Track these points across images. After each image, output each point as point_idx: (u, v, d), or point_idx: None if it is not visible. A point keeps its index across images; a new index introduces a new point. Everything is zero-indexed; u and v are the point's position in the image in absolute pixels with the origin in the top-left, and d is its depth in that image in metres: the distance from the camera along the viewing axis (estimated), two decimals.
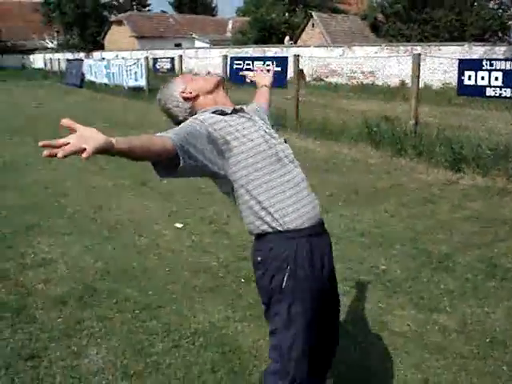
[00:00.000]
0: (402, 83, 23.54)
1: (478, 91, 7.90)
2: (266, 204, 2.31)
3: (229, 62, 14.64)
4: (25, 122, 14.66)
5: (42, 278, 4.66)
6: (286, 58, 12.55)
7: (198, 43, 47.38)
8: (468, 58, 19.04)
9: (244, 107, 2.56)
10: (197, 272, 4.86)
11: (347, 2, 45.28)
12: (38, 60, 51.40)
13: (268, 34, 38.13)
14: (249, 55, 25.96)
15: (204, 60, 27.54)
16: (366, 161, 9.18)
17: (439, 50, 25.06)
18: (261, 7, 40.36)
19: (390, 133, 9.33)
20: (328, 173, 8.50)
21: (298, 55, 12.17)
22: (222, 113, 2.38)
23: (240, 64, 14.01)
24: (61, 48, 49.92)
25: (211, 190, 7.37)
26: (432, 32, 33.52)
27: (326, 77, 29.23)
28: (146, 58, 20.54)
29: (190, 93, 2.50)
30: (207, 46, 43.71)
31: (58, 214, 6.55)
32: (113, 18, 50.70)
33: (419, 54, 9.21)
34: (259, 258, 2.37)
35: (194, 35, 48.58)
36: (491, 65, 7.66)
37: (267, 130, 2.46)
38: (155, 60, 20.79)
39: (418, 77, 9.06)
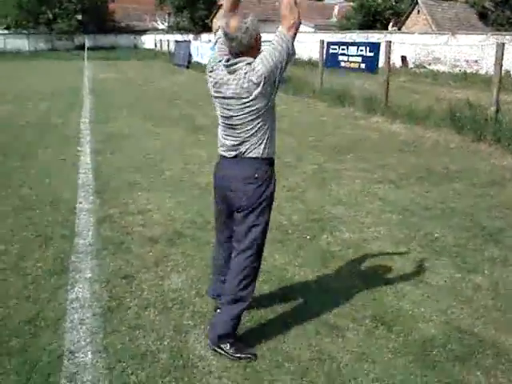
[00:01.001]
0: (507, 73, 23.08)
1: None
2: (271, 140, 3.31)
3: (325, 47, 15.21)
4: (134, 100, 15.95)
5: (140, 223, 5.64)
6: (379, 44, 12.96)
7: (302, 27, 47.93)
8: None
9: None
10: (270, 229, 5.60)
11: None
12: (149, 40, 53.84)
13: (372, 20, 38.15)
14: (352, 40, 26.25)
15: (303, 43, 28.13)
16: (447, 144, 9.58)
17: None
18: None
19: (471, 119, 9.65)
20: (407, 154, 9.01)
21: (390, 41, 12.54)
22: None
23: (336, 49, 14.56)
24: (171, 29, 52.00)
25: (294, 164, 8.15)
26: None
27: (429, 64, 29.01)
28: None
29: None
30: (312, 30, 44.24)
31: (157, 175, 7.54)
32: (221, 1, 52.16)
33: (503, 44, 9.44)
34: (256, 175, 3.27)
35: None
36: None
37: None
38: None
39: (501, 65, 9.33)
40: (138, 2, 61.21)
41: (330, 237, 5.44)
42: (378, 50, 12.76)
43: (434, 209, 6.31)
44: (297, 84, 17.20)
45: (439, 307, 4.07)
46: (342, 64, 14.22)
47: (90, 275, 4.44)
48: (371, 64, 12.95)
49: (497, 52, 9.36)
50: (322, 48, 15.37)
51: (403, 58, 30.06)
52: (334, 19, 49.14)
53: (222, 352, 3.37)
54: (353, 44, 14.22)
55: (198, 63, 28.05)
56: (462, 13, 37.67)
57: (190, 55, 29.30)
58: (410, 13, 36.77)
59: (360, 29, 35.98)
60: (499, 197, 6.78)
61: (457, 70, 27.03)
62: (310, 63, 26.76)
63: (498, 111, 9.44)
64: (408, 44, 28.50)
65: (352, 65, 13.72)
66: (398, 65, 29.87)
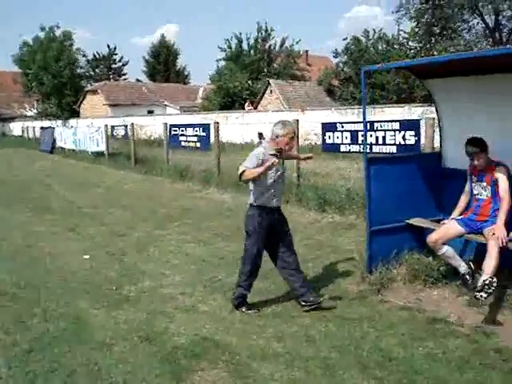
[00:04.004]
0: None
1: (335, 147, 9.94)
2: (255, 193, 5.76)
3: (168, 128, 16.81)
4: None
5: None
6: (208, 125, 14.68)
7: (169, 110, 50.17)
8: (398, 118, 21.28)
9: None
10: (81, 282, 6.74)
11: (306, 70, 48.46)
12: (16, 128, 53.75)
13: (231, 100, 40.83)
14: (211, 121, 28.17)
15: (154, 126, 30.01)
16: None
17: (382, 111, 27.01)
18: (224, 75, 43.27)
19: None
20: (225, 217, 10.49)
21: (218, 122, 14.31)
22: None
23: (176, 130, 16.18)
24: (39, 116, 52.30)
25: (123, 233, 9.34)
26: (382, 94, 36.07)
27: None
28: (106, 125, 22.72)
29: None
30: (177, 112, 46.48)
31: None
32: (88, 87, 53.62)
33: (297, 120, 11.37)
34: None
35: (165, 102, 51.45)
36: (342, 127, 9.74)
37: None
38: (113, 127, 22.97)
39: (297, 137, 11.23)
40: (5, 91, 61.31)
41: (133, 286, 6.64)
42: (209, 130, 14.46)
43: (227, 258, 7.72)
44: (149, 164, 18.67)
45: (196, 326, 5.38)
46: (183, 144, 15.83)
47: None
48: (204, 143, 14.63)
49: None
50: (166, 130, 16.95)
51: (260, 134, 32.46)
52: (199, 100, 51.71)
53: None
54: (190, 125, 15.90)
55: (61, 148, 28.88)
56: (312, 91, 41.30)
57: (54, 141, 30.08)
58: (264, 93, 39.85)
59: (221, 109, 38.44)
60: None
61: (307, 142, 29.54)
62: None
63: (299, 177, 11.24)
64: (263, 122, 30.98)
65: (190, 144, 15.35)
66: (255, 141, 32.23)
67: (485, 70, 5.92)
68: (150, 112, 47.17)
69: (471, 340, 4.90)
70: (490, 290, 5.07)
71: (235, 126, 30.75)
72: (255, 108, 38.93)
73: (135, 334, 5.20)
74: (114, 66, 70.40)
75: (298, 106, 36.20)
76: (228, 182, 13.66)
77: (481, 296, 5.10)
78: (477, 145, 5.71)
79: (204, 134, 14.60)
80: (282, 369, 4.48)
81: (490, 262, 5.26)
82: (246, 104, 38.91)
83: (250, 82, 43.71)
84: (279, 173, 5.65)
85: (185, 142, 15.60)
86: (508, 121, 5.99)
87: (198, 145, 14.99)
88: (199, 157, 16.71)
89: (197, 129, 15.01)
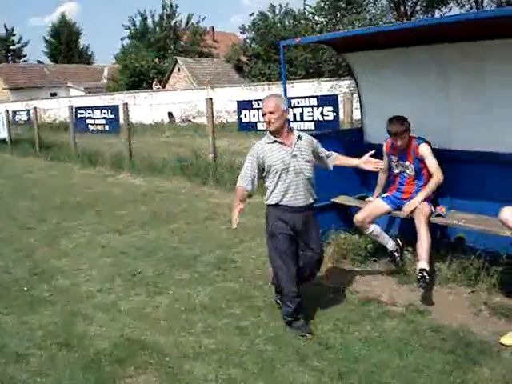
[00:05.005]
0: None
1: (252, 126, 9.69)
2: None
3: (74, 112, 16.01)
4: None
5: None
6: (117, 106, 14.06)
7: (73, 91, 48.28)
8: (308, 93, 21.23)
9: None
10: None
11: (213, 46, 47.91)
12: None
13: (138, 80, 39.74)
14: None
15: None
16: (178, 191, 10.80)
17: (292, 87, 26.97)
18: (130, 54, 42.03)
19: (196, 166, 11.04)
20: (140, 204, 10.02)
21: (127, 104, 13.70)
22: None
23: (83, 113, 15.41)
24: None
25: (33, 226, 8.72)
26: (290, 70, 36.10)
27: (194, 118, 31.02)
28: (7, 111, 21.44)
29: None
30: (82, 93, 44.77)
31: None
32: None
33: (211, 99, 11.02)
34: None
35: (68, 84, 49.49)
36: (259, 104, 9.46)
37: None
38: (14, 112, 21.72)
39: (212, 116, 10.91)
40: None
41: (46, 286, 6.13)
42: (118, 112, 13.83)
43: (145, 248, 7.31)
44: (55, 149, 17.75)
45: (119, 326, 4.98)
46: (90, 127, 15.11)
47: None
48: (113, 125, 14.01)
49: (207, 106, 10.87)
50: (72, 113, 16.12)
51: (170, 114, 31.83)
52: (105, 81, 50.14)
53: None
54: (97, 108, 15.19)
55: None
56: (221, 68, 40.82)
57: None
58: (172, 71, 39.03)
59: (128, 89, 37.32)
60: (207, 229, 8.01)
61: (219, 120, 29.16)
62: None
63: (215, 157, 10.91)
64: (173, 100, 30.29)
65: (98, 127, 14.67)
66: (166, 121, 31.60)
67: (406, 42, 5.77)
68: (53, 94, 45.19)
69: (407, 320, 4.78)
70: (425, 284, 5.06)
71: (144, 107, 29.94)
72: (163, 87, 38.10)
73: (52, 340, 4.74)
74: (12, 47, 66.87)
75: (207, 83, 35.72)
76: (140, 165, 13.19)
77: (419, 287, 5.10)
78: (400, 124, 5.51)
79: (112, 116, 13.96)
80: (217, 367, 4.17)
81: (421, 244, 5.19)
82: (154, 83, 37.98)
83: (156, 60, 42.72)
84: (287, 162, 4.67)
85: (92, 125, 14.90)
86: (429, 95, 5.89)
87: (107, 127, 14.34)
88: (110, 140, 16.05)
89: (105, 111, 14.34)
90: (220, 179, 10.42)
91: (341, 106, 8.38)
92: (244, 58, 40.30)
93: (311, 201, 4.78)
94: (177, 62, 38.59)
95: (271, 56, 37.09)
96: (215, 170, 10.62)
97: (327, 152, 5.08)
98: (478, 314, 4.92)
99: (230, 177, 10.11)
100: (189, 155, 12.43)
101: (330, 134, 7.08)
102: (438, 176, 5.45)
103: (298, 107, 8.46)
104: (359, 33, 5.82)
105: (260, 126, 9.50)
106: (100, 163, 14.47)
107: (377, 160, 5.01)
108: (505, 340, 4.30)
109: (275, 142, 4.65)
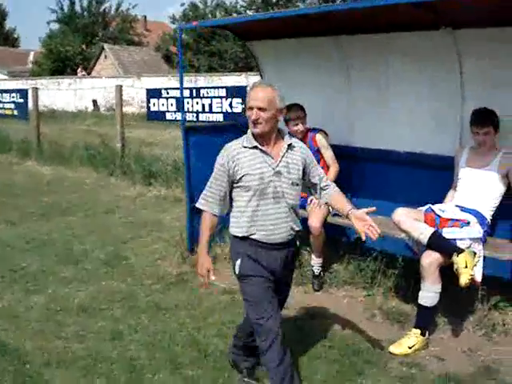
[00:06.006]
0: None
1: (161, 115, 9.27)
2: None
3: None
4: None
5: None
6: (26, 90, 13.32)
7: None
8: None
9: None
10: None
11: (143, 35, 47.00)
12: None
13: (63, 65, 38.43)
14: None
15: None
16: (83, 182, 10.27)
17: (220, 79, 26.68)
18: (56, 38, 40.61)
19: (104, 156, 10.53)
20: (44, 194, 9.42)
21: (37, 88, 13.01)
22: None
23: None
24: None
25: None
26: (219, 63, 35.79)
27: None
28: None
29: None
30: (5, 77, 42.90)
31: None
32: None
33: (120, 86, 10.54)
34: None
35: None
36: (168, 93, 9.07)
37: None
38: None
39: (121, 105, 10.42)
40: None
41: None
42: (27, 97, 13.09)
43: (35, 242, 6.80)
44: None
45: None
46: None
47: None
48: (22, 110, 13.26)
49: (116, 94, 10.40)
50: None
51: (94, 102, 30.88)
52: (30, 65, 48.29)
53: None
54: (5, 91, 14.36)
55: None
56: (149, 57, 39.98)
57: None
58: (98, 58, 37.94)
59: (52, 74, 36.00)
60: (104, 223, 7.56)
61: (144, 110, 28.41)
62: None
63: (123, 147, 10.44)
64: (98, 88, 29.33)
65: (7, 111, 13.85)
66: (90, 109, 30.62)
67: (310, 32, 5.52)
68: None
69: (297, 326, 4.51)
70: (320, 282, 5.03)
71: (68, 93, 28.88)
72: (89, 74, 36.95)
73: None
74: None
75: (134, 72, 34.88)
76: (49, 153, 12.53)
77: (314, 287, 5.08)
78: (300, 109, 5.31)
79: (21, 100, 13.18)
80: (80, 376, 3.78)
81: (315, 242, 5.01)
82: (79, 69, 36.76)
83: (84, 46, 41.46)
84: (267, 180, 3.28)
85: (1, 109, 14.04)
86: (333, 89, 5.69)
87: (16, 112, 13.53)
88: (21, 126, 15.22)
89: (13, 95, 13.51)
90: (127, 170, 9.96)
91: None
92: (173, 49, 39.62)
93: (292, 235, 3.41)
94: (103, 48, 37.53)
95: (201, 47, 36.63)
96: (122, 160, 10.14)
97: (322, 177, 3.55)
98: (371, 320, 4.74)
99: (137, 168, 9.69)
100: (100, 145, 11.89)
101: (232, 126, 6.76)
102: (335, 167, 5.29)
103: (207, 98, 8.11)
104: (252, 19, 5.53)
105: (169, 116, 9.09)
106: (7, 150, 13.68)
107: (374, 225, 3.26)
108: (393, 349, 4.11)
109: (256, 148, 3.27)
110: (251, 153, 3.27)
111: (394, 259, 5.08)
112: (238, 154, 3.28)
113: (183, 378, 3.75)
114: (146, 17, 57.15)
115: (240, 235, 3.31)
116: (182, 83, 5.80)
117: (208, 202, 3.34)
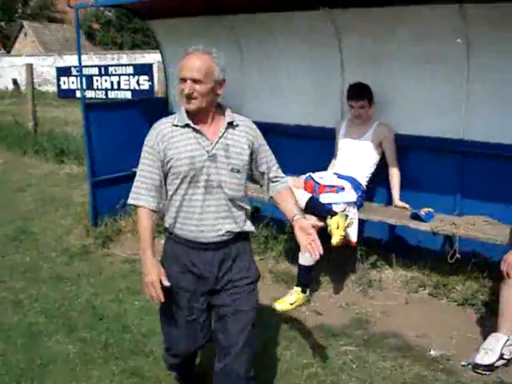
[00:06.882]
0: None
1: (71, 93, 9.33)
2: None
3: None
4: None
5: None
6: None
7: None
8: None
9: None
10: None
11: (64, 11, 45.72)
12: None
13: None
14: None
15: None
16: None
17: (143, 57, 26.42)
18: None
19: (17, 136, 10.50)
20: None
21: None
22: None
23: None
24: None
25: None
26: (144, 40, 35.34)
27: (39, 85, 29.46)
28: None
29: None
30: None
31: None
32: None
33: (31, 65, 10.50)
34: None
35: None
36: (78, 71, 9.11)
37: None
38: None
39: (33, 83, 10.40)
40: None
41: None
42: None
43: None
44: None
45: None
46: None
47: None
48: None
49: (26, 72, 10.35)
50: None
51: (15, 81, 30.10)
52: None
53: None
54: None
55: None
56: (70, 34, 39.02)
57: None
58: (18, 36, 36.82)
59: None
60: (14, 200, 7.63)
61: None
62: None
63: (36, 125, 10.43)
64: (18, 66, 28.56)
65: None
66: (10, 87, 29.85)
67: (203, 11, 5.75)
68: None
69: None
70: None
71: None
72: (8, 52, 35.83)
73: None
74: None
75: (55, 50, 34.06)
76: None
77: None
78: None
79: None
80: None
81: None
82: None
83: (2, 23, 40.08)
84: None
85: None
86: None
87: None
88: None
89: None
90: (39, 149, 9.97)
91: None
92: (96, 26, 38.88)
93: (233, 234, 2.76)
94: (23, 26, 36.40)
95: (124, 24, 36.10)
96: (35, 139, 10.14)
97: (272, 166, 2.96)
98: (261, 281, 5.05)
99: (49, 147, 9.72)
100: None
101: (133, 103, 6.97)
102: None
103: (115, 75, 8.23)
104: None
105: (78, 94, 9.14)
106: None
107: (317, 241, 2.65)
108: (277, 305, 4.46)
109: (188, 126, 2.68)
110: (182, 132, 2.68)
111: (284, 225, 5.43)
112: (167, 134, 2.68)
113: (77, 339, 4.00)
114: None
115: (170, 230, 2.80)
116: (80, 62, 5.93)
117: (141, 196, 2.69)
